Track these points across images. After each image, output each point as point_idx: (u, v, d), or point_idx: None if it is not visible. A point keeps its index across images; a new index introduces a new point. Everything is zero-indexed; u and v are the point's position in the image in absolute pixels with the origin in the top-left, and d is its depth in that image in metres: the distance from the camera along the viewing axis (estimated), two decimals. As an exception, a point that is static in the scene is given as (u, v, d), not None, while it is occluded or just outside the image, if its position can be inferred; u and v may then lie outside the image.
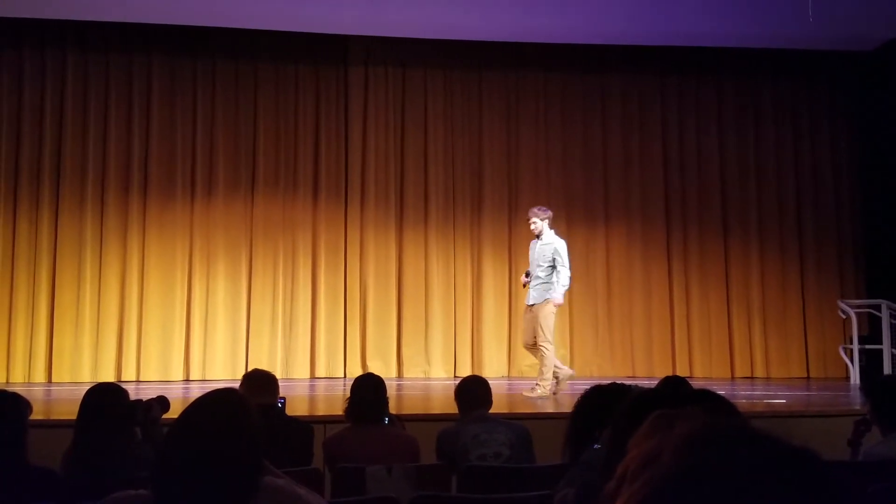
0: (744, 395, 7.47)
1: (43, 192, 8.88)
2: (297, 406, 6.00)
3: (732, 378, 9.43)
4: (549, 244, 7.07)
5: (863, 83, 9.81)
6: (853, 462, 3.28)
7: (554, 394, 6.86)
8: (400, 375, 9.17)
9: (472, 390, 3.99)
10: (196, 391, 6.93)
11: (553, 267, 6.97)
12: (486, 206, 9.57)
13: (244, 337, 9.05)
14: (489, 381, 4.15)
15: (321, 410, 6.59)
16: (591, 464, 1.99)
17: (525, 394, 6.97)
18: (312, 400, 7.54)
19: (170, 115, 9.20)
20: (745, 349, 9.61)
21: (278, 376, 4.13)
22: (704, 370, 9.45)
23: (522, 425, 3.90)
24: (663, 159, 9.82)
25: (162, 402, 3.43)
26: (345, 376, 8.94)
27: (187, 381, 8.83)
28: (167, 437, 1.89)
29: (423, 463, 3.59)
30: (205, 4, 8.40)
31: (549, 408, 6.40)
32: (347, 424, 3.76)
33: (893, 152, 9.27)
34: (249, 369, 4.25)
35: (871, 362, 8.63)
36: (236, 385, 3.80)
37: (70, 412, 3.84)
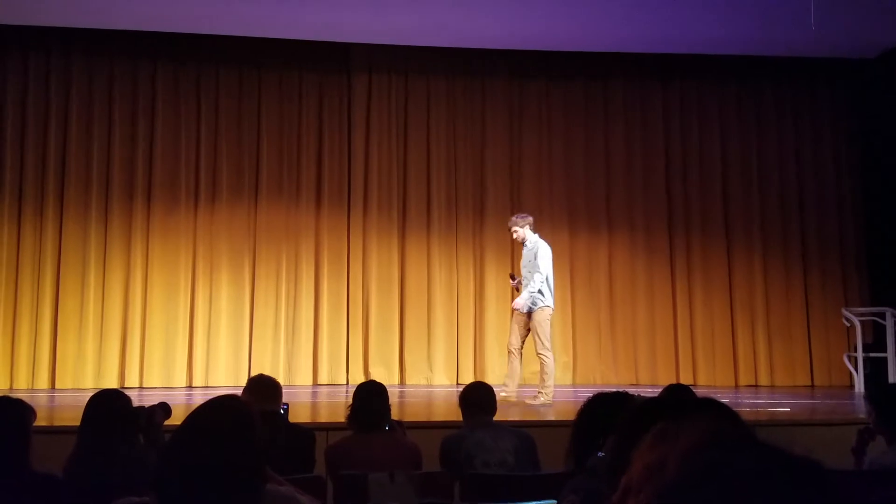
0: (748, 404, 7.45)
1: (47, 198, 8.91)
2: (299, 413, 5.99)
3: (736, 386, 9.41)
4: (531, 249, 7.05)
5: (865, 90, 9.81)
6: (858, 471, 3.27)
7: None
8: (402, 382, 9.17)
9: (477, 397, 3.98)
10: (199, 398, 6.94)
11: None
12: (488, 214, 9.57)
13: (247, 343, 9.06)
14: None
15: (323, 417, 6.58)
16: (595, 471, 1.99)
17: (528, 401, 6.95)
18: (315, 407, 7.53)
19: (174, 122, 9.23)
20: (748, 357, 9.59)
21: (281, 382, 4.13)
22: (708, 378, 9.43)
23: (527, 432, 3.88)
24: (666, 166, 9.82)
25: (164, 408, 3.43)
26: (347, 383, 8.94)
27: (190, 387, 8.83)
28: (169, 444, 1.89)
29: (425, 470, 3.59)
30: (209, 13, 8.42)
31: (553, 415, 6.38)
32: (350, 432, 3.76)
33: (897, 160, 9.27)
34: (253, 375, 4.24)
35: (875, 370, 8.60)
36: (239, 392, 3.80)
37: (73, 418, 3.85)
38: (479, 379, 7.80)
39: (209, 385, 8.76)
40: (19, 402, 2.83)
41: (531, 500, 2.83)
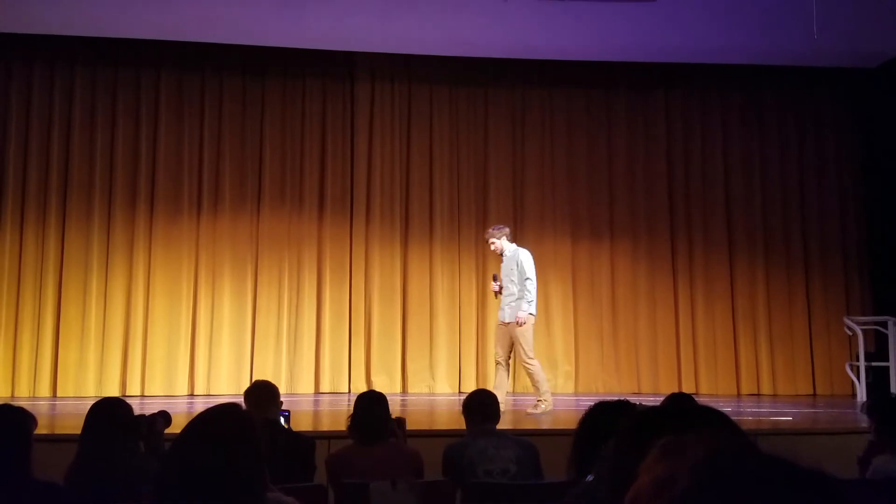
0: (750, 412, 7.43)
1: (50, 205, 8.92)
2: (301, 421, 5.99)
3: (738, 395, 9.39)
4: (511, 257, 7.05)
5: (867, 100, 9.82)
6: (862, 480, 3.25)
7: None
8: (405, 391, 9.16)
9: (480, 404, 3.98)
10: (201, 406, 6.92)
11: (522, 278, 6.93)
12: (491, 222, 9.51)
13: (249, 351, 9.05)
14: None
15: (325, 426, 6.57)
16: (597, 480, 1.98)
17: (529, 411, 6.94)
18: (317, 415, 7.52)
19: (177, 129, 9.24)
20: (751, 366, 9.57)
21: (282, 391, 4.13)
22: (710, 387, 9.41)
23: (530, 441, 3.87)
24: (668, 174, 9.83)
25: (164, 417, 3.43)
26: (349, 391, 8.94)
27: (192, 395, 8.82)
28: (170, 451, 1.89)
29: (427, 478, 3.58)
30: (213, 21, 8.45)
31: (556, 424, 6.36)
32: (350, 441, 3.75)
33: (899, 169, 9.27)
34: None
35: (877, 379, 8.58)
36: (240, 400, 3.79)
37: (74, 426, 3.85)
38: (481, 387, 7.80)
39: (211, 393, 8.76)
40: (20, 409, 2.83)
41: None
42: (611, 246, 9.70)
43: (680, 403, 2.52)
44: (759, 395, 9.43)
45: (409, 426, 4.14)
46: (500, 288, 7.06)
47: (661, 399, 2.72)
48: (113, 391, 8.27)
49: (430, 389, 9.20)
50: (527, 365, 6.89)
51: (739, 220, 9.81)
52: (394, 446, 3.74)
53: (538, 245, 9.47)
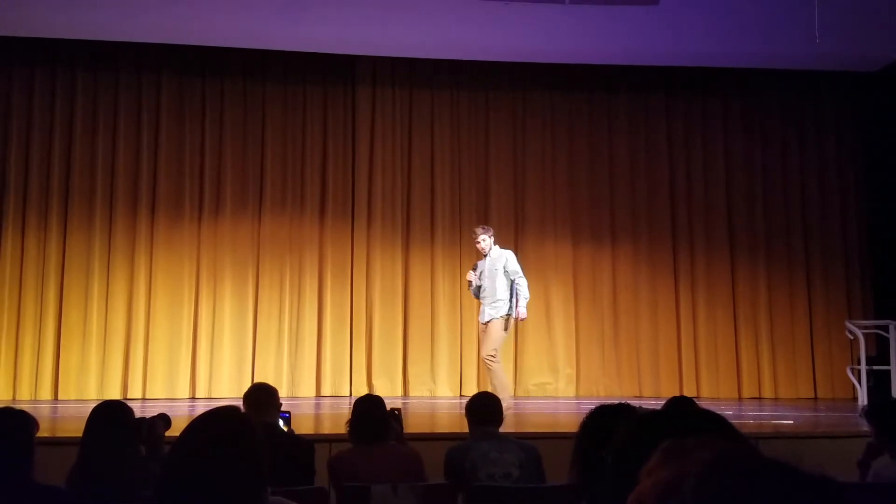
0: (751, 416, 7.43)
1: (51, 209, 8.92)
2: (302, 424, 5.98)
3: (740, 398, 9.38)
4: (498, 258, 7.11)
5: (869, 103, 9.82)
6: (863, 484, 3.25)
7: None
8: (406, 394, 9.15)
9: (483, 407, 3.97)
10: (202, 408, 6.92)
11: (505, 280, 6.94)
12: (492, 226, 9.54)
13: (250, 355, 9.05)
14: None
15: (326, 429, 6.56)
16: (599, 484, 1.98)
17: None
18: (318, 418, 7.52)
19: (178, 133, 9.25)
20: (752, 369, 9.56)
21: (284, 394, 4.14)
22: (711, 390, 9.40)
23: (532, 445, 3.87)
24: (670, 178, 9.82)
25: (164, 419, 3.43)
26: (350, 394, 8.92)
27: (193, 398, 8.82)
28: (168, 456, 1.88)
29: (428, 480, 3.58)
30: (214, 25, 8.46)
31: (560, 427, 6.35)
32: (351, 444, 3.76)
33: (901, 172, 9.27)
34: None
35: (878, 383, 8.57)
36: (241, 403, 3.79)
37: (76, 430, 3.85)
38: (482, 390, 7.80)
39: (212, 396, 8.75)
40: (22, 412, 2.83)
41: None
42: (612, 249, 9.69)
43: (681, 407, 2.52)
44: (760, 398, 9.41)
45: (411, 429, 4.14)
46: (478, 289, 7.08)
47: (663, 403, 2.72)
48: (114, 394, 8.27)
49: (431, 393, 9.19)
50: (488, 361, 6.95)
51: (741, 224, 9.80)
52: (394, 448, 3.74)
53: (539, 248, 9.49)
